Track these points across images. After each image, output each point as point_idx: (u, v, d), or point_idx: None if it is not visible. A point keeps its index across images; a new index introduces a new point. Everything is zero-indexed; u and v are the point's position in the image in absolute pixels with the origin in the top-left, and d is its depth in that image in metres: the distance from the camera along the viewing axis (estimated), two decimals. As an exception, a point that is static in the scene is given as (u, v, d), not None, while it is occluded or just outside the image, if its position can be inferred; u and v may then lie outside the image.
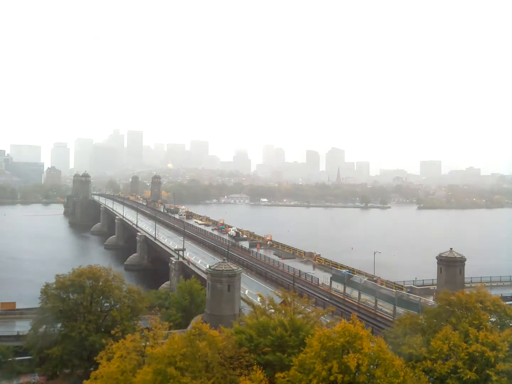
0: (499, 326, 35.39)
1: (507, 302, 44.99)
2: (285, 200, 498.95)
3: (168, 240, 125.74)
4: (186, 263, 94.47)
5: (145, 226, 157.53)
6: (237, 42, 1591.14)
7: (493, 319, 36.63)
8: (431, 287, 72.25)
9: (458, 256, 64.91)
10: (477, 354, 31.29)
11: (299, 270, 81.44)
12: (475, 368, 30.85)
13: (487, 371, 30.53)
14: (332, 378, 27.15)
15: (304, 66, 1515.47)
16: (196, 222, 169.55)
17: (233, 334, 35.10)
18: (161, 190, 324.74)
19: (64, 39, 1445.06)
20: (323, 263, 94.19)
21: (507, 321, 36.48)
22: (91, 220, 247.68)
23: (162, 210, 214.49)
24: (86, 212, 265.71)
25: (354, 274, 75.35)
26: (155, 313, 51.55)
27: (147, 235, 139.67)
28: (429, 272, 79.96)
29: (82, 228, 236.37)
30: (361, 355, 27.53)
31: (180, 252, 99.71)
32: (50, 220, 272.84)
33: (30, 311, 68.02)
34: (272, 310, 41.26)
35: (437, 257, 66.51)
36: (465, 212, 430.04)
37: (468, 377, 30.29)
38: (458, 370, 30.76)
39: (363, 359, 27.42)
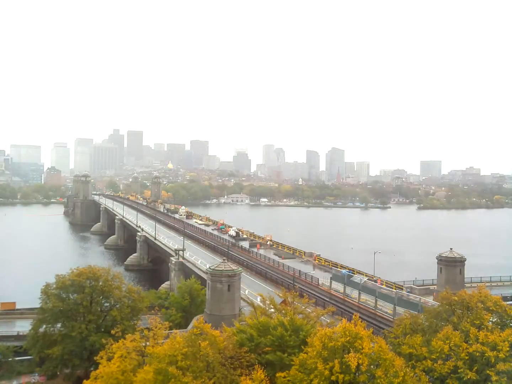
0: (499, 327, 35.38)
1: (507, 302, 45.04)
2: (285, 200, 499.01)
3: (168, 240, 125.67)
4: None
5: (145, 226, 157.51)
6: (237, 42, 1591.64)
7: (493, 319, 36.62)
8: (431, 287, 72.22)
9: (458, 256, 64.92)
10: (477, 354, 31.27)
11: (299, 270, 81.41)
12: (475, 368, 30.82)
13: (487, 371, 30.51)
14: (333, 378, 27.22)
15: (304, 66, 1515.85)
16: (196, 222, 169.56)
17: (234, 334, 35.11)
18: (161, 190, 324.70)
19: (64, 39, 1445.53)
20: (323, 263, 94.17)
21: (508, 321, 36.46)
22: (91, 220, 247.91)
23: (162, 210, 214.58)
24: (86, 212, 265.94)
25: (354, 274, 75.35)
26: (155, 313, 51.56)
27: (147, 235, 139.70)
28: (429, 272, 79.97)
29: (82, 228, 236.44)
30: (361, 355, 27.61)
31: (180, 252, 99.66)
32: (50, 220, 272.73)
33: (30, 311, 68.04)
34: (273, 310, 41.26)
35: (437, 257, 66.52)
36: (465, 212, 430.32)
37: (469, 377, 30.27)
38: (459, 370, 30.74)
39: (364, 359, 27.50)
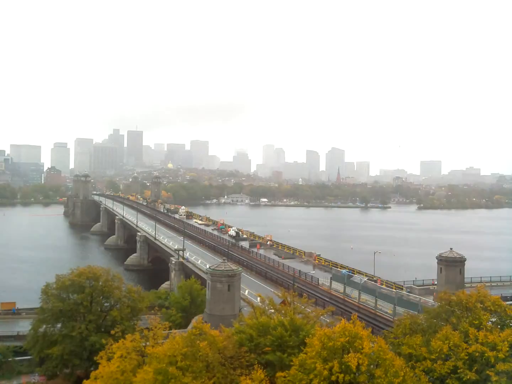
0: (499, 326, 35.34)
1: (507, 302, 45.01)
2: (285, 200, 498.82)
3: (168, 240, 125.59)
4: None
5: (145, 226, 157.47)
6: (237, 41, 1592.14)
7: (493, 319, 36.57)
8: (431, 287, 72.23)
9: (458, 256, 64.83)
10: (477, 354, 31.22)
11: (299, 270, 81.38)
12: (475, 368, 30.77)
13: (487, 372, 30.46)
14: (333, 378, 27.17)
15: (305, 66, 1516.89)
16: (196, 222, 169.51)
17: (233, 334, 35.09)
18: (161, 190, 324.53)
19: (64, 39, 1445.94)
20: (323, 263, 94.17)
21: (507, 321, 36.40)
22: (91, 220, 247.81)
23: (162, 210, 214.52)
24: (86, 212, 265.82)
25: (354, 274, 75.35)
26: (155, 313, 51.53)
27: (147, 235, 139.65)
28: (429, 272, 79.95)
29: (82, 228, 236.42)
30: (361, 355, 27.56)
31: (180, 252, 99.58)
32: (50, 220, 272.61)
33: (30, 311, 68.02)
34: (272, 310, 41.22)
35: (437, 257, 66.45)
36: (465, 212, 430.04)
37: (468, 377, 30.23)
38: (458, 371, 30.69)
39: (363, 359, 27.46)
